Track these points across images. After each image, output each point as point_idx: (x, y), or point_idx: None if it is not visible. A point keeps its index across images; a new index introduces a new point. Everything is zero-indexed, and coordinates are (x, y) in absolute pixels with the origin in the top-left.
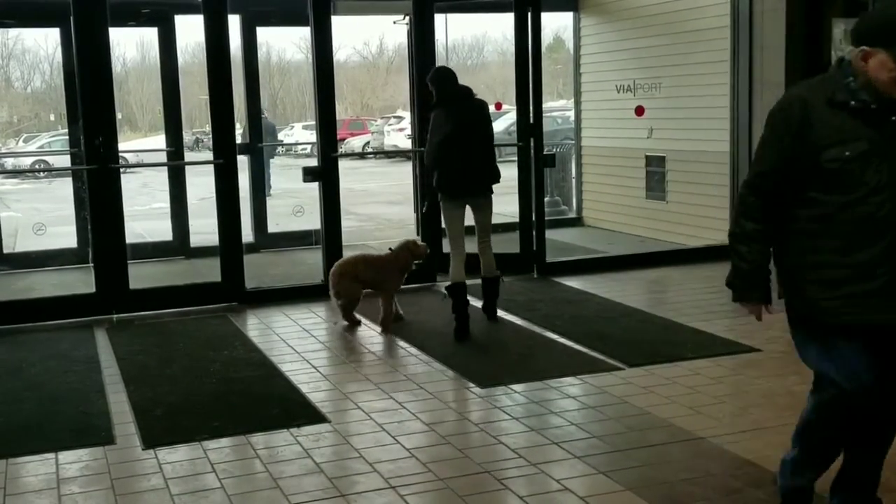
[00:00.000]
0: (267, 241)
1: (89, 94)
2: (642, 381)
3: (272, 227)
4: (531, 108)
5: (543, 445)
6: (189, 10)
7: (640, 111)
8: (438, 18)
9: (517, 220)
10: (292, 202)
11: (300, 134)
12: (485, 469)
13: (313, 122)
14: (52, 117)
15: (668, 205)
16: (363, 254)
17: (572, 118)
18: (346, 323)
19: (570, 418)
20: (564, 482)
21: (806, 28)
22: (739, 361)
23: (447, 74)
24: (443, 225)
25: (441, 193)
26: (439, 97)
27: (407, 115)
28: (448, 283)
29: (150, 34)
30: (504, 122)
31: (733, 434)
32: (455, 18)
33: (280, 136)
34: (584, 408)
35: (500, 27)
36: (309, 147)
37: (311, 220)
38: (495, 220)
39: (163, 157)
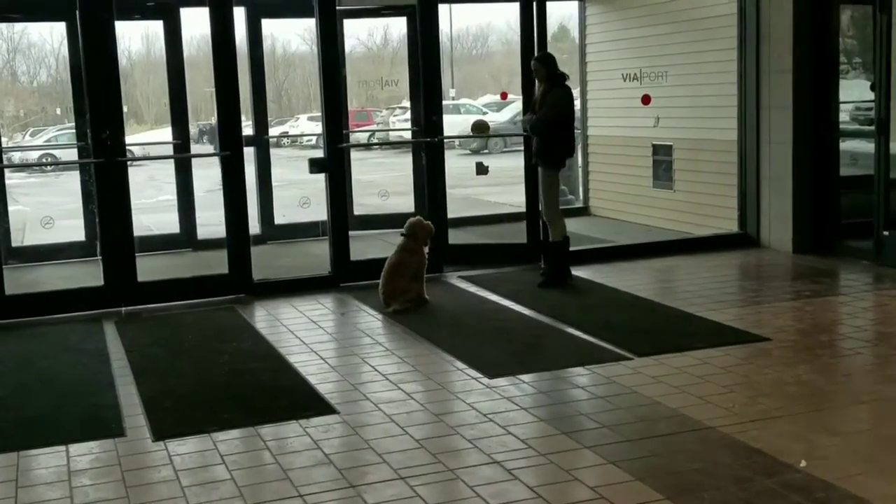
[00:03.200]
0: (273, 232)
1: (96, 87)
2: (651, 371)
3: (278, 219)
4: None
5: (552, 436)
6: (194, 2)
7: (646, 100)
8: (442, 8)
9: (524, 210)
10: (298, 193)
11: (305, 125)
12: (494, 459)
13: (318, 114)
14: (58, 111)
15: (676, 193)
16: (394, 259)
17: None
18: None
19: (579, 408)
20: (574, 472)
21: (813, 16)
22: (749, 351)
23: (554, 57)
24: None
25: (557, 162)
26: (556, 76)
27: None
28: (559, 239)
29: (155, 27)
30: (509, 112)
31: (743, 423)
32: (459, 8)
33: (285, 127)
34: (593, 398)
35: (504, 17)
36: (314, 138)
37: (318, 212)
38: (502, 210)
39: (169, 150)
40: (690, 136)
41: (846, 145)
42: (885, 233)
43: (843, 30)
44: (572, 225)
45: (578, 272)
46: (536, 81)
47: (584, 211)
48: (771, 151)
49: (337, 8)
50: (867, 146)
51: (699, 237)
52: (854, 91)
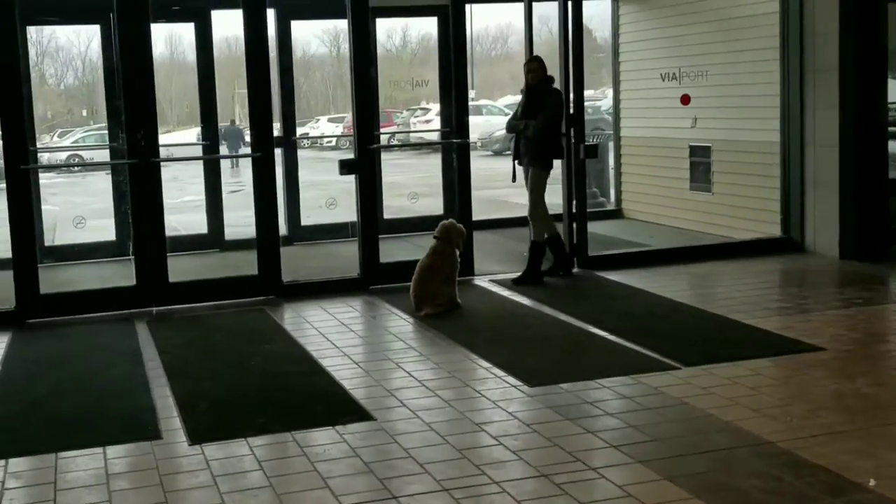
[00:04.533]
0: (300, 233)
1: (131, 89)
2: (701, 382)
3: (305, 220)
4: (572, 97)
5: (601, 448)
6: (225, 4)
7: (685, 100)
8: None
9: (558, 212)
10: (321, 195)
11: (325, 127)
12: (541, 473)
13: (338, 116)
14: (84, 113)
15: (714, 196)
16: (426, 262)
17: (603, 108)
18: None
19: (627, 420)
20: (627, 488)
21: (860, 11)
22: (803, 361)
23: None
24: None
25: (550, 163)
26: (548, 78)
27: (434, 106)
28: (546, 238)
29: (180, 29)
30: None
31: (803, 438)
32: (479, 9)
33: (305, 129)
34: (641, 409)
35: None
36: (334, 140)
37: (343, 213)
38: (519, 212)
39: (197, 151)
40: (730, 137)
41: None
42: None
43: (893, 26)
44: (604, 227)
45: (615, 277)
46: (526, 82)
47: (616, 213)
48: (816, 153)
49: (370, 6)
50: None
51: (740, 241)
52: None
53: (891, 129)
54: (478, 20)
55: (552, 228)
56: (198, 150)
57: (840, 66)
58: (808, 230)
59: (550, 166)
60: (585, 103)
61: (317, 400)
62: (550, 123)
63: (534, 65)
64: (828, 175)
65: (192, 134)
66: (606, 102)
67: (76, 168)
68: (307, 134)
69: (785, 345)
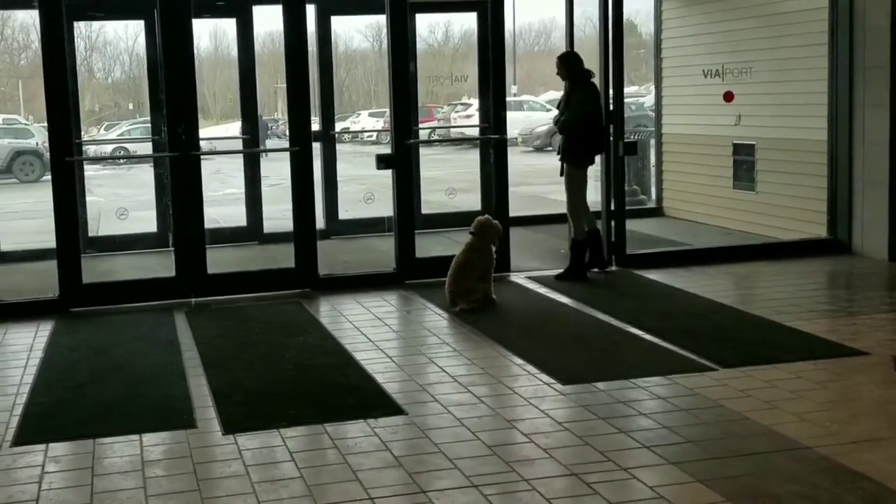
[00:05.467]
0: (337, 227)
1: (173, 83)
2: (738, 384)
3: (342, 214)
4: (611, 93)
5: (634, 448)
6: (267, 0)
7: (729, 97)
8: (506, 3)
9: (597, 209)
10: (360, 189)
11: (366, 121)
12: (572, 471)
13: (379, 110)
14: (130, 106)
15: (758, 195)
16: (462, 258)
17: (646, 104)
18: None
19: (662, 420)
20: (658, 489)
21: None
22: (846, 365)
23: (579, 57)
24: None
25: (584, 160)
26: (579, 75)
27: (474, 102)
28: (581, 238)
29: (224, 24)
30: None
31: (844, 445)
32: (523, 3)
33: (346, 123)
34: (677, 410)
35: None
36: (375, 134)
37: (380, 208)
38: (560, 209)
39: (238, 144)
40: (775, 135)
41: None
42: None
43: None
44: (645, 226)
45: (654, 275)
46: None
47: (657, 212)
48: (865, 153)
49: (408, 1)
50: None
51: (785, 242)
52: None
53: None
54: (521, 15)
55: (592, 224)
56: (239, 144)
57: (892, 63)
58: (855, 231)
59: (586, 163)
60: (629, 100)
61: (349, 393)
62: (579, 119)
63: (557, 63)
64: (877, 175)
65: (235, 127)
66: (650, 99)
67: (121, 160)
68: (348, 128)
69: (828, 348)
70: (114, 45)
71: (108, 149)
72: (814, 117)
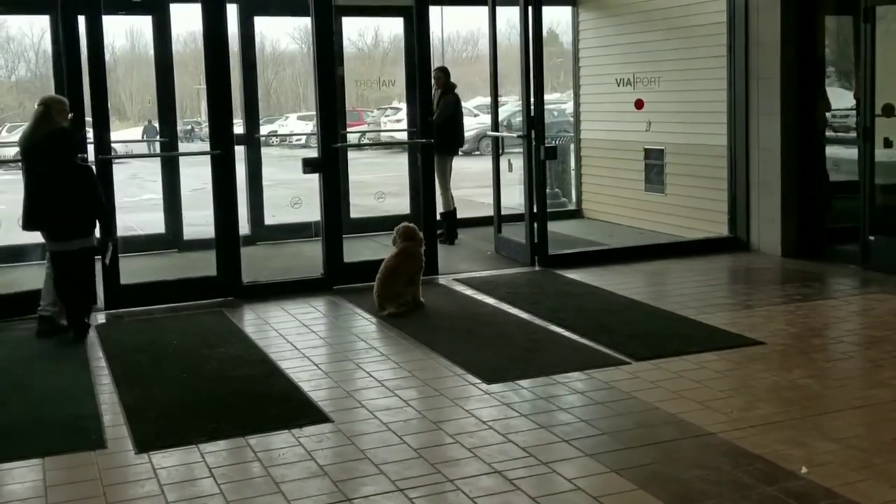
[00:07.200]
0: (263, 233)
1: (75, 82)
2: (649, 376)
3: (268, 219)
4: (532, 100)
5: (553, 443)
6: None
7: (639, 105)
8: (433, 11)
9: (520, 211)
10: (288, 193)
11: (295, 125)
12: (495, 469)
13: (307, 113)
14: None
15: (667, 197)
16: (391, 263)
17: (568, 111)
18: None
19: (579, 414)
20: (577, 482)
21: (799, 24)
22: (744, 355)
23: (447, 71)
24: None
25: (449, 149)
26: (450, 86)
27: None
28: (443, 211)
29: (140, 23)
30: (502, 114)
31: (742, 429)
32: (450, 12)
33: (274, 126)
34: (593, 403)
35: (496, 21)
36: (304, 138)
37: (307, 212)
38: (488, 212)
39: (156, 148)
40: (682, 140)
41: (829, 151)
42: (871, 237)
43: (828, 38)
44: (565, 227)
45: (573, 275)
46: (434, 86)
47: (576, 213)
48: (760, 156)
49: (333, 4)
50: (848, 152)
51: (690, 240)
52: (837, 100)
53: (832, 134)
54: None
55: (448, 203)
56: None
57: (781, 75)
58: (752, 230)
59: (451, 152)
60: (551, 106)
61: (273, 403)
62: (442, 120)
63: (437, 73)
64: (770, 177)
65: (152, 130)
66: (570, 105)
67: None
68: (275, 132)
69: (729, 339)
70: (18, 42)
71: (11, 152)
72: (715, 124)
